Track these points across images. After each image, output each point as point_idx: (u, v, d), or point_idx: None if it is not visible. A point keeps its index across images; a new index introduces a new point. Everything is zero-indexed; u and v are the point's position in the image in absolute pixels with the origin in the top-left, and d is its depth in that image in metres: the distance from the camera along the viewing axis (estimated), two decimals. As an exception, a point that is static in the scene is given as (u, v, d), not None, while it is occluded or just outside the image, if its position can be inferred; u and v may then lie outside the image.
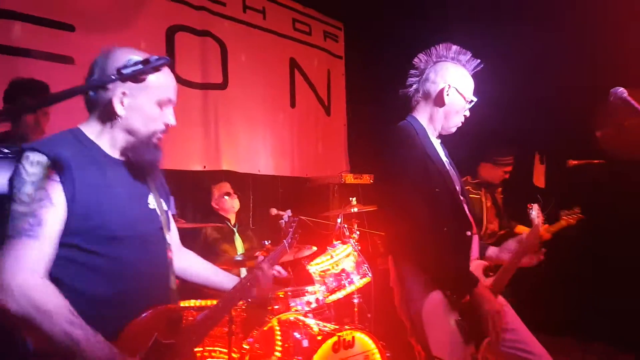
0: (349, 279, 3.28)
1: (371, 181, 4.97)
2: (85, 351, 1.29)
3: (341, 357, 2.80)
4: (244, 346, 3.00)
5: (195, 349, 1.74)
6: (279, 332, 3.12)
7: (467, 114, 2.13)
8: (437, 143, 2.12)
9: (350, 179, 4.86)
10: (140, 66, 1.24)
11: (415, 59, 2.19)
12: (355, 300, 3.55)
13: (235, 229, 3.98)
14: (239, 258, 3.35)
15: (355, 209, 3.85)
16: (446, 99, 2.05)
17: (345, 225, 3.67)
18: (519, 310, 2.16)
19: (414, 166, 1.91)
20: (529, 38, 4.33)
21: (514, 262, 2.05)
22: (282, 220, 1.98)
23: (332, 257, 3.36)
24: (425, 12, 4.82)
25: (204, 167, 4.21)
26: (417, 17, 4.88)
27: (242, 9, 4.61)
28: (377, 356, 2.94)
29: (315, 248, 3.35)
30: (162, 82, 1.57)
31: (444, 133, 2.14)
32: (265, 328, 3.04)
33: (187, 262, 1.86)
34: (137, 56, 1.29)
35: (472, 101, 2.10)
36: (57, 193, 1.38)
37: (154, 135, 1.59)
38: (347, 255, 3.39)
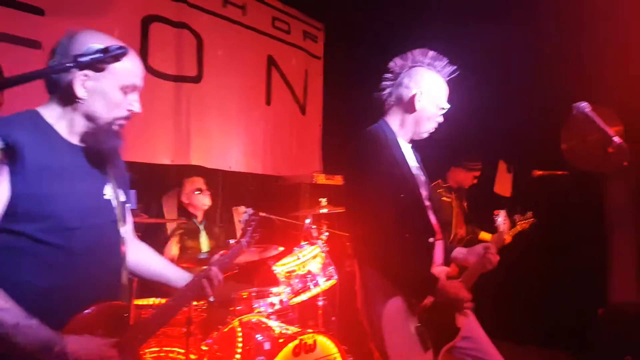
0: (314, 281, 3.26)
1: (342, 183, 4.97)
2: (15, 335, 1.25)
3: (302, 361, 2.78)
4: (203, 347, 2.95)
5: (144, 349, 1.68)
6: (240, 334, 3.07)
7: (441, 119, 2.12)
8: (407, 148, 2.12)
9: (322, 179, 4.84)
10: (98, 55, 1.19)
11: (391, 63, 2.19)
12: (320, 303, 3.54)
13: (201, 227, 3.91)
14: (203, 256, 3.30)
15: (325, 210, 3.84)
16: (417, 105, 2.05)
17: (314, 226, 3.65)
18: (481, 318, 2.18)
19: (379, 171, 1.91)
20: (500, 48, 4.41)
21: (478, 266, 2.07)
22: (242, 219, 1.93)
23: (298, 258, 3.34)
24: (405, 17, 4.84)
25: (172, 161, 4.12)
26: (397, 21, 4.89)
27: (222, 3, 4.53)
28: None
29: (281, 248, 3.32)
30: (127, 67, 1.51)
31: (416, 138, 2.14)
32: (225, 329, 3.00)
33: (140, 256, 1.80)
34: (98, 44, 1.23)
35: (444, 108, 2.10)
36: (2, 177, 1.32)
37: (115, 122, 1.53)
38: (314, 257, 3.37)
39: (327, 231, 3.74)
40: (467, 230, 4.20)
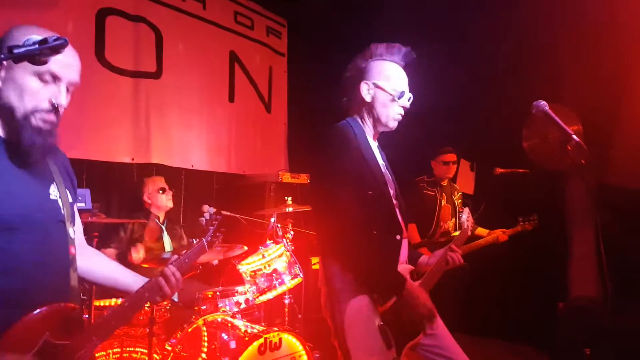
0: (280, 280, 3.23)
1: (308, 181, 4.94)
2: None
3: (267, 359, 2.74)
4: (167, 347, 2.87)
5: (104, 349, 1.61)
6: (205, 333, 3.01)
7: (405, 104, 2.07)
8: (374, 146, 2.11)
9: (287, 178, 4.80)
10: (34, 47, 1.11)
11: (345, 71, 2.19)
12: (286, 301, 3.51)
13: (163, 227, 3.81)
14: (166, 256, 3.20)
15: (290, 209, 3.80)
16: (367, 97, 2.05)
17: (279, 225, 3.61)
18: (446, 313, 2.19)
19: (347, 167, 1.88)
20: (462, 46, 4.48)
21: (440, 265, 2.09)
22: (203, 218, 1.87)
23: (264, 256, 3.29)
24: (367, 13, 4.86)
25: (133, 159, 4.00)
26: (361, 17, 4.91)
27: (181, -4, 4.44)
28: (304, 358, 2.91)
29: (246, 247, 3.26)
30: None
31: (382, 130, 2.12)
32: (190, 329, 2.93)
33: (92, 262, 1.72)
34: (36, 36, 1.16)
35: (401, 92, 2.05)
36: None
37: (35, 115, 1.39)
38: (280, 256, 3.33)
39: (292, 230, 3.70)
40: (456, 224, 4.30)
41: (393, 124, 2.09)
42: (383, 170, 2.06)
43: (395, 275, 1.88)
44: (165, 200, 3.81)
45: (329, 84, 6.04)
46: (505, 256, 4.58)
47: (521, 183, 4.20)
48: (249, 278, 3.25)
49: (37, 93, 1.40)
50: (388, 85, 2.04)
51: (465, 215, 2.33)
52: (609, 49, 4.13)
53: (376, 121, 2.09)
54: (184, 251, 1.79)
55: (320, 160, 1.99)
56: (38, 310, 1.35)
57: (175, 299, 3.51)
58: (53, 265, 1.46)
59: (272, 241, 3.46)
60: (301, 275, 3.31)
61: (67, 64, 1.45)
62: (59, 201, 1.52)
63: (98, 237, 2.94)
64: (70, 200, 1.57)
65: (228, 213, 3.73)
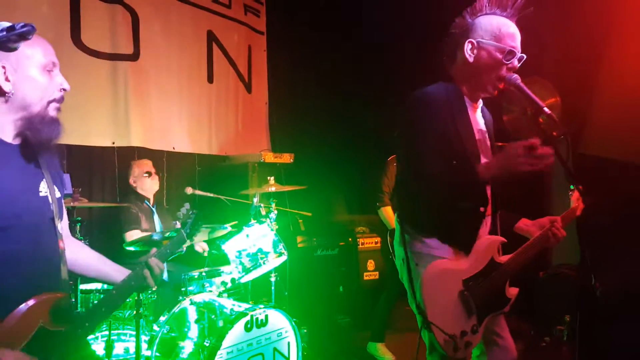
0: (265, 258, 3.26)
1: (291, 160, 4.96)
2: None
3: (254, 336, 2.80)
4: (155, 328, 2.91)
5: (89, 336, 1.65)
6: (192, 313, 3.06)
7: (514, 65, 1.87)
8: (474, 111, 1.98)
9: (270, 157, 4.81)
10: (3, 33, 1.11)
11: (452, 26, 1.98)
12: (272, 280, 3.57)
13: (154, 209, 3.82)
14: (157, 236, 3.21)
15: (273, 189, 3.83)
16: (470, 57, 1.87)
17: (262, 205, 3.64)
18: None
19: (432, 135, 1.81)
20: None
21: (541, 240, 1.99)
22: (180, 212, 1.90)
23: (248, 236, 3.32)
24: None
25: (113, 143, 3.97)
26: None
27: (157, -24, 4.35)
28: (291, 333, 2.97)
29: (229, 228, 3.29)
30: (39, 45, 1.46)
31: (483, 95, 1.95)
32: (177, 310, 2.97)
33: (77, 255, 1.75)
34: (4, 23, 1.16)
35: (509, 52, 1.83)
36: None
37: (50, 107, 1.48)
38: (264, 235, 3.36)
39: (276, 209, 3.73)
40: None
41: (493, 90, 1.90)
42: (479, 136, 1.94)
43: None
44: (151, 184, 3.82)
45: (310, 61, 6.03)
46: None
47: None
48: (234, 258, 3.29)
49: (49, 86, 1.46)
50: (495, 44, 1.84)
51: (573, 194, 2.16)
52: (586, 22, 4.18)
53: (478, 85, 1.91)
54: (166, 243, 1.84)
55: (406, 126, 1.89)
56: (29, 301, 1.38)
57: (166, 279, 3.56)
58: (44, 262, 1.49)
59: (256, 221, 3.49)
60: (286, 253, 3.36)
61: (48, 50, 1.49)
62: (49, 197, 1.54)
63: (82, 222, 2.95)
64: (58, 195, 1.60)
65: (211, 194, 3.76)
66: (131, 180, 3.82)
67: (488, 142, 1.99)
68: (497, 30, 1.86)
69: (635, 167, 3.88)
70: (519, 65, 1.88)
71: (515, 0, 1.88)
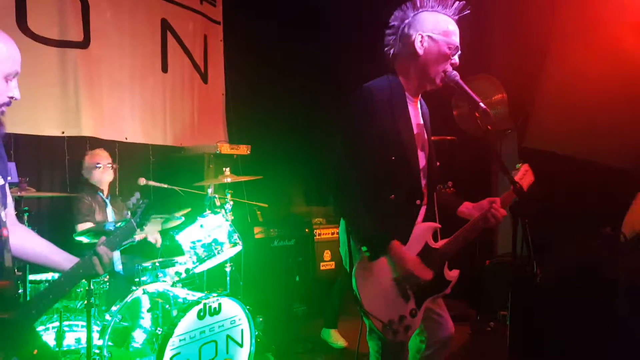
0: (219, 249, 3.29)
1: (248, 152, 4.97)
2: None
3: (207, 323, 2.83)
4: (107, 318, 2.90)
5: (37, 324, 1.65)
6: (145, 303, 3.06)
7: (455, 60, 1.96)
8: (414, 105, 2.04)
9: (226, 149, 4.80)
10: None
11: (391, 18, 2.03)
12: (227, 270, 3.60)
13: (107, 201, 3.76)
14: (110, 226, 3.17)
15: (229, 180, 3.84)
16: (420, 49, 1.93)
17: (217, 196, 3.66)
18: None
19: (370, 132, 1.88)
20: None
21: (478, 223, 2.01)
22: (130, 201, 1.90)
23: (203, 227, 3.33)
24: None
25: (63, 132, 3.88)
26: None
27: (107, -38, 4.24)
28: (244, 321, 3.02)
29: (183, 218, 3.29)
30: (10, 54, 1.53)
31: (430, 87, 2.01)
32: (130, 300, 2.96)
33: (23, 240, 1.74)
34: None
35: (456, 47, 1.94)
36: None
37: None
38: (219, 225, 3.38)
39: (232, 200, 3.76)
40: None
41: (435, 81, 1.96)
42: (417, 131, 2.00)
43: (380, 236, 1.87)
44: (101, 175, 3.75)
45: (268, 51, 6.01)
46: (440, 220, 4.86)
47: (449, 150, 4.42)
48: (188, 249, 3.30)
49: (2, 93, 1.54)
50: (445, 39, 1.92)
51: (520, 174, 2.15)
52: (533, 20, 4.37)
53: (424, 77, 1.97)
54: (115, 232, 1.84)
55: (345, 123, 1.95)
56: None
57: (120, 272, 3.52)
58: None
59: (210, 212, 3.51)
60: (240, 243, 3.39)
61: (20, 60, 1.58)
62: None
63: (29, 212, 2.89)
64: (1, 182, 1.59)
65: (165, 185, 3.74)
66: (84, 172, 3.76)
67: (425, 136, 2.06)
68: (445, 26, 1.94)
69: (573, 160, 4.13)
70: (457, 62, 1.98)
71: (455, 2, 1.96)
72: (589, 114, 3.92)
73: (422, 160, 2.01)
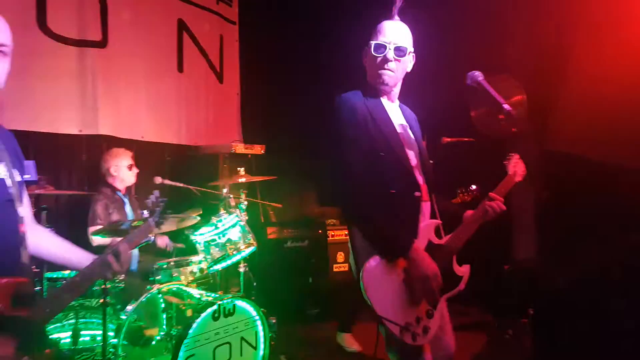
0: (234, 249, 3.28)
1: (262, 151, 4.96)
2: None
3: (221, 325, 2.82)
4: (121, 317, 2.90)
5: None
6: (160, 303, 3.06)
7: (389, 57, 1.99)
8: (392, 107, 2.10)
9: (240, 148, 4.80)
10: None
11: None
12: (241, 270, 3.58)
13: (126, 199, 3.76)
14: (125, 226, 3.18)
15: (244, 180, 3.83)
16: (365, 60, 2.07)
17: (231, 196, 3.65)
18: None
19: (354, 134, 1.91)
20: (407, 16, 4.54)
21: (477, 216, 2.04)
22: (149, 200, 1.88)
23: (217, 227, 3.32)
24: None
25: (80, 130, 3.91)
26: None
27: (126, -38, 4.27)
28: (258, 322, 3.00)
29: (198, 218, 3.29)
30: None
31: (382, 88, 2.06)
32: (145, 299, 2.96)
33: (40, 239, 1.73)
34: None
35: (375, 45, 1.99)
36: None
37: None
38: (233, 225, 3.37)
39: (245, 200, 3.74)
40: None
41: (379, 81, 2.02)
42: (401, 130, 2.04)
43: (397, 238, 1.86)
44: (131, 176, 3.74)
45: (282, 51, 6.00)
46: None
47: (468, 152, 4.35)
48: (203, 248, 3.29)
49: None
50: (371, 42, 2.00)
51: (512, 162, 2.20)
52: (552, 19, 4.29)
53: (372, 80, 2.05)
54: (133, 230, 1.82)
55: (330, 132, 1.99)
56: None
57: (134, 269, 3.53)
58: (3, 244, 1.47)
59: (225, 211, 3.50)
60: (254, 244, 3.38)
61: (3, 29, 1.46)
62: (7, 180, 1.52)
63: (48, 210, 2.91)
64: (19, 179, 1.58)
65: (181, 184, 3.74)
66: (111, 170, 3.64)
67: (412, 136, 2.10)
68: (375, 31, 2.03)
69: (597, 164, 4.03)
70: (393, 57, 1.99)
71: (394, 3, 2.04)
72: (615, 115, 3.82)
73: (413, 158, 2.03)
